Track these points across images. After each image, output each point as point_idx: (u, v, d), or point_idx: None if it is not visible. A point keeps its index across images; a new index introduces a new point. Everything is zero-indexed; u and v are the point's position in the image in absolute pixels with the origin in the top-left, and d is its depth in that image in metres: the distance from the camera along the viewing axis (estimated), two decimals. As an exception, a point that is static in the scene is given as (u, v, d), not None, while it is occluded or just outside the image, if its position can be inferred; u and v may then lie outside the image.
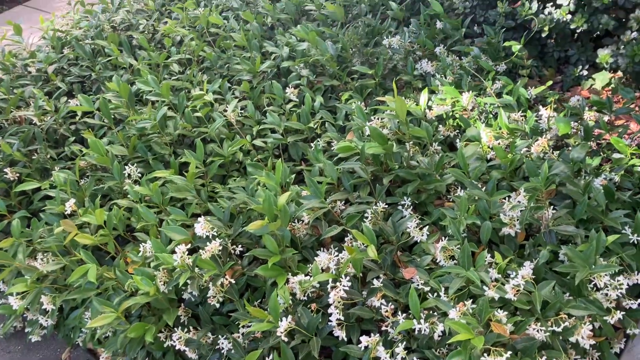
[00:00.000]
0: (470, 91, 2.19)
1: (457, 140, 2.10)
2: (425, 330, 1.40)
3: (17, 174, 2.35)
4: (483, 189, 1.74)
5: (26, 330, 2.27)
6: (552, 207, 1.68)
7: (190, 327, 1.72)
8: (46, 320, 2.01)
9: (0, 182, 2.35)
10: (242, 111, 2.34)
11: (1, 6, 6.49)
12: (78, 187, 2.15)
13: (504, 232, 1.68)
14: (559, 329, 1.39)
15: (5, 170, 2.34)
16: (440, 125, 2.20)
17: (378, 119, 2.02)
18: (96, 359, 2.04)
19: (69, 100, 2.70)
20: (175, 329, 1.68)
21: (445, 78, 2.36)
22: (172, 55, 2.79)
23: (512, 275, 1.50)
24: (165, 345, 1.70)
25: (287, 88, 2.38)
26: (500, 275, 1.52)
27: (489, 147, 1.97)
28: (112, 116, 2.45)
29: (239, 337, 1.61)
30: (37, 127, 2.52)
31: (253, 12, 3.02)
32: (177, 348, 1.65)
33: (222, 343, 1.61)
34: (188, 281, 1.65)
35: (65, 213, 1.96)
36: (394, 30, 2.77)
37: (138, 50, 2.97)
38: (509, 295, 1.45)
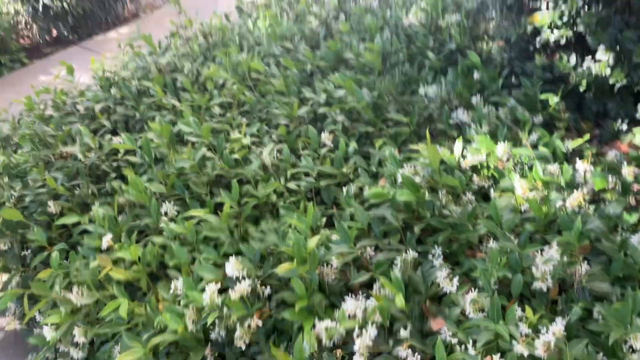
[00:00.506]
0: (506, 142, 2.19)
1: (492, 191, 2.09)
2: (451, 384, 1.38)
3: (60, 208, 2.44)
4: (516, 241, 1.72)
5: (57, 362, 2.31)
6: (586, 262, 1.64)
7: (216, 368, 1.73)
8: (78, 352, 2.05)
9: (43, 214, 2.44)
10: (278, 154, 2.39)
11: (57, 46, 6.85)
12: (116, 222, 2.21)
13: (536, 286, 1.65)
14: (592, 391, 1.35)
15: (49, 203, 2.43)
16: (475, 175, 2.19)
17: (411, 166, 2.03)
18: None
19: (113, 138, 2.80)
20: (201, 369, 1.69)
21: (481, 128, 2.37)
22: (214, 98, 2.88)
23: (542, 331, 1.47)
24: (192, 387, 1.71)
25: (323, 133, 2.43)
26: (530, 331, 1.49)
27: (523, 199, 1.96)
28: (154, 155, 2.54)
29: (264, 381, 1.61)
30: (81, 163, 2.62)
31: (293, 59, 3.11)
32: (201, 389, 1.66)
33: (247, 386, 1.62)
34: (216, 321, 1.67)
35: (102, 248, 2.02)
36: (431, 79, 2.81)
37: (182, 92, 3.08)
38: (539, 352, 1.41)
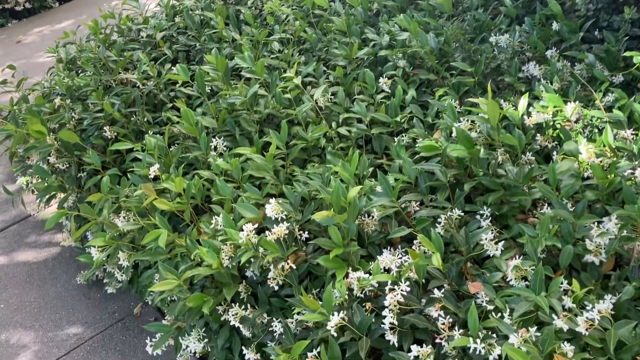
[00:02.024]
0: (577, 101, 2.02)
1: (555, 153, 1.95)
2: (480, 351, 1.32)
3: (115, 133, 2.49)
4: (573, 209, 1.60)
5: (105, 281, 2.42)
6: (647, 240, 1.51)
7: (249, 305, 1.74)
8: (121, 276, 2.13)
9: (99, 139, 2.49)
10: (333, 97, 2.32)
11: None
12: (166, 152, 2.23)
13: (587, 259, 1.54)
14: (633, 376, 1.26)
15: (105, 128, 2.48)
16: (539, 135, 2.05)
17: (468, 120, 1.92)
18: (164, 318, 2.12)
19: (172, 68, 2.80)
20: (233, 304, 1.71)
21: (552, 84, 2.19)
22: (275, 34, 2.81)
23: (588, 307, 1.38)
24: (222, 319, 1.73)
25: (381, 78, 2.32)
26: (575, 305, 1.40)
27: (587, 164, 1.81)
28: (209, 88, 2.52)
29: (292, 322, 1.60)
30: (139, 91, 2.64)
31: (360, -4, 2.97)
32: (231, 324, 1.68)
33: (276, 326, 1.62)
34: (251, 260, 1.67)
35: (150, 177, 2.04)
36: (505, 27, 2.61)
37: (244, 25, 3.03)
38: (580, 329, 1.33)
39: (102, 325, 2.43)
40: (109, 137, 2.47)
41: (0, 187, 3.32)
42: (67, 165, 2.51)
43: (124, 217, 2.08)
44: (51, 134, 2.51)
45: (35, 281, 2.71)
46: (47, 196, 2.45)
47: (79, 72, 3.08)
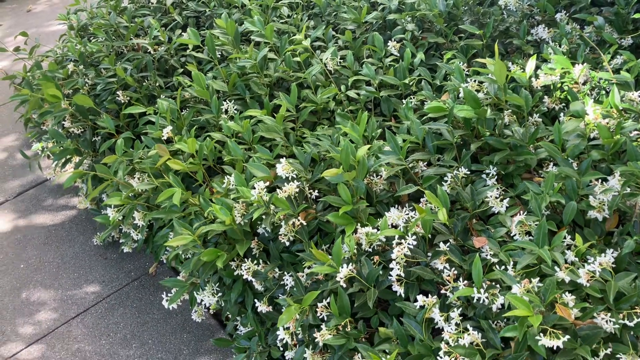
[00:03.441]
0: (585, 63, 2.04)
1: (562, 115, 1.98)
2: (484, 300, 1.38)
3: (128, 98, 2.53)
4: (578, 167, 1.64)
5: (120, 241, 2.49)
6: (649, 196, 1.55)
7: (260, 260, 1.80)
8: (137, 235, 2.19)
9: (113, 103, 2.54)
10: (342, 61, 2.34)
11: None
12: (178, 116, 2.28)
13: (591, 215, 1.58)
14: (632, 324, 1.31)
15: (118, 92, 2.52)
16: (546, 97, 2.07)
17: (475, 81, 1.94)
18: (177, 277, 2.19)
19: (182, 34, 2.83)
20: (246, 259, 1.77)
21: (560, 47, 2.20)
22: (284, -2, 2.82)
23: (590, 261, 1.42)
24: (235, 274, 1.80)
25: (390, 41, 2.34)
26: (577, 259, 1.45)
27: (594, 125, 1.84)
28: (219, 53, 2.55)
29: (302, 276, 1.66)
30: (150, 56, 2.67)
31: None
32: (244, 277, 1.74)
33: (287, 279, 1.68)
34: (263, 216, 1.72)
35: (162, 138, 2.09)
36: (514, -10, 2.61)
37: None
38: (581, 280, 1.38)
39: (119, 284, 2.52)
40: (122, 101, 2.51)
41: (17, 151, 3.39)
42: (82, 130, 2.56)
43: (138, 179, 2.13)
44: (65, 99, 2.56)
45: (54, 242, 2.79)
46: (63, 159, 2.51)
47: (91, 38, 3.11)
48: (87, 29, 3.19)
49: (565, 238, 1.50)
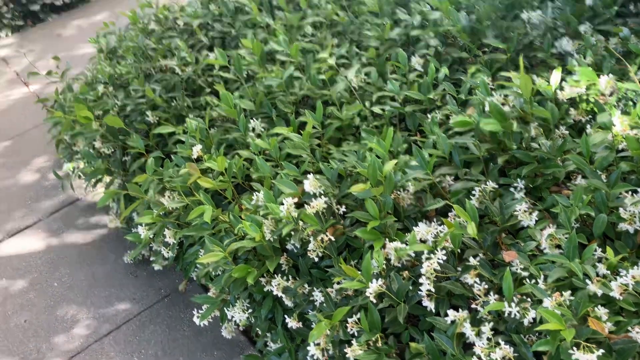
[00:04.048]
0: (611, 75, 2.03)
1: (588, 127, 1.97)
2: (515, 314, 1.37)
3: (157, 118, 2.59)
4: (607, 179, 1.63)
5: (151, 259, 2.53)
6: (682, 208, 1.53)
7: (290, 276, 1.82)
8: (167, 252, 2.23)
9: (142, 123, 2.60)
10: (366, 77, 2.37)
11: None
12: (207, 135, 2.32)
13: (622, 228, 1.56)
14: (668, 338, 1.29)
15: (147, 113, 2.58)
16: (572, 109, 2.06)
17: (500, 95, 1.95)
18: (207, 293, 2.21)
19: (209, 54, 2.89)
20: (276, 275, 1.79)
21: (585, 59, 2.20)
22: (307, 17, 2.86)
23: (622, 274, 1.41)
24: (265, 290, 1.82)
25: (413, 57, 2.36)
26: (609, 272, 1.44)
27: (622, 136, 1.83)
28: (246, 72, 2.60)
29: (332, 292, 1.68)
30: (178, 77, 2.74)
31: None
32: (274, 294, 1.76)
33: (317, 295, 1.70)
34: (292, 232, 1.74)
35: (192, 157, 2.14)
36: (537, 4, 2.61)
37: (277, 10, 3.09)
38: (614, 293, 1.36)
39: (150, 301, 2.56)
40: (152, 121, 2.57)
41: (49, 172, 3.48)
42: (112, 150, 2.62)
43: (168, 197, 2.18)
44: (96, 120, 2.63)
45: (85, 261, 2.85)
46: (94, 179, 2.58)
47: (120, 61, 3.20)
48: (116, 51, 3.28)
49: (596, 251, 1.49)
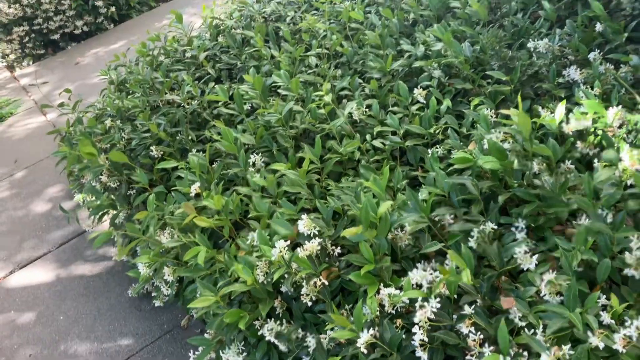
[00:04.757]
0: (620, 106, 1.96)
1: (596, 161, 1.90)
2: (511, 368, 1.31)
3: (161, 152, 2.59)
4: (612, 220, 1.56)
5: (153, 294, 2.51)
6: (691, 253, 1.45)
7: (284, 320, 1.78)
8: (167, 290, 2.21)
9: (147, 157, 2.60)
10: (368, 110, 2.33)
11: (181, -10, 7.10)
12: (208, 170, 2.31)
13: (627, 273, 1.49)
14: (673, 396, 1.22)
15: (151, 147, 2.58)
16: (579, 141, 1.99)
17: (500, 131, 1.89)
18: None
19: (215, 86, 2.89)
20: (269, 320, 1.75)
21: (592, 89, 2.13)
22: (312, 49, 2.85)
23: (627, 324, 1.34)
24: (259, 333, 1.78)
25: (416, 89, 2.32)
26: (613, 322, 1.36)
27: (631, 172, 1.75)
28: (250, 105, 2.59)
29: (325, 338, 1.63)
30: (183, 110, 2.74)
31: (396, 7, 2.97)
32: (266, 339, 1.72)
33: (310, 341, 1.65)
34: (285, 275, 1.70)
35: (190, 195, 2.12)
36: (545, 31, 2.56)
37: (283, 41, 3.09)
38: (617, 346, 1.29)
39: (152, 337, 2.53)
40: (156, 156, 2.57)
41: (61, 202, 3.51)
42: (118, 184, 2.63)
43: (168, 234, 2.16)
44: (103, 153, 2.65)
45: (91, 294, 2.85)
46: (98, 214, 2.58)
47: (129, 92, 3.22)
48: (126, 83, 3.31)
49: (599, 298, 1.42)
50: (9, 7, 5.78)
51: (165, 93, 2.90)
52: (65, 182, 3.81)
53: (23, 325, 2.78)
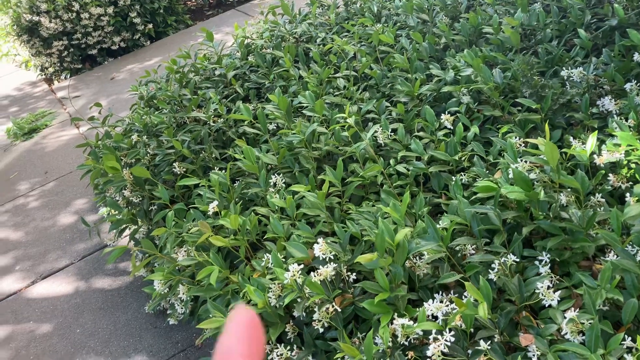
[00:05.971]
0: (655, 139, 1.88)
1: (628, 195, 1.82)
2: (527, 412, 1.23)
3: (184, 169, 2.59)
4: (643, 258, 1.47)
5: (168, 312, 2.50)
6: None
7: (295, 346, 1.73)
8: (181, 308, 2.19)
9: (169, 174, 2.61)
10: (393, 134, 2.30)
11: (218, 9, 7.25)
12: (228, 189, 2.29)
13: (656, 315, 1.40)
14: None
15: (174, 164, 2.59)
16: (611, 174, 1.92)
17: (526, 161, 1.83)
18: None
19: (240, 105, 2.89)
20: (279, 345, 1.71)
21: (627, 120, 2.05)
22: (341, 71, 2.84)
23: (655, 370, 1.25)
24: (269, 358, 1.73)
25: (443, 114, 2.27)
26: (639, 367, 1.28)
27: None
28: (275, 125, 2.58)
29: (335, 367, 1.57)
30: (207, 128, 2.75)
31: (428, 31, 2.94)
32: (276, 364, 1.68)
33: (319, 370, 1.60)
34: (298, 299, 1.66)
35: (208, 213, 2.10)
36: (579, 60, 2.49)
37: (312, 62, 3.08)
38: (642, 395, 1.21)
39: (166, 355, 2.51)
40: (179, 172, 2.58)
41: (86, 215, 3.54)
42: (140, 199, 2.64)
43: (185, 251, 2.15)
44: (128, 168, 2.66)
45: (109, 308, 2.85)
46: (119, 228, 2.59)
47: (158, 108, 3.26)
48: (154, 99, 3.35)
49: (624, 340, 1.34)
50: (50, 21, 5.96)
51: (192, 110, 2.92)
52: (92, 195, 3.86)
53: (40, 336, 2.79)
